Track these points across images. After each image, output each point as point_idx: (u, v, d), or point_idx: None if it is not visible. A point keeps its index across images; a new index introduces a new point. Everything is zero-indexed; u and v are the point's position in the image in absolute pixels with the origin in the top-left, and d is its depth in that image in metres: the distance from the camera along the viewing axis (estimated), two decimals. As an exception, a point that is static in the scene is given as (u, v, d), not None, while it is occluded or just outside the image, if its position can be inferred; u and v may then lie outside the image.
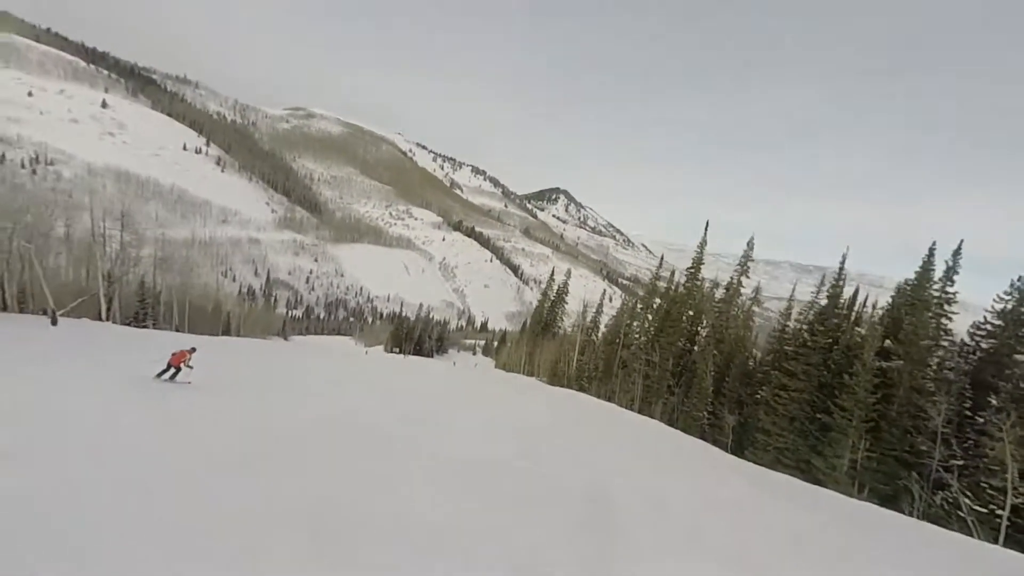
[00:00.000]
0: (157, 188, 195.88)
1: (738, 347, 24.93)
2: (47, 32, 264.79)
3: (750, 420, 20.41)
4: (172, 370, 12.11)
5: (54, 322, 21.19)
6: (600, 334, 46.38)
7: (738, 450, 19.41)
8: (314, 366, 23.25)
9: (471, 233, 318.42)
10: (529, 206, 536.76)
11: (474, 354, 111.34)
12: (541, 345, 46.78)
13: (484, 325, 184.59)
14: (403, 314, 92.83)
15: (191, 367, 12.43)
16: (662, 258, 36.35)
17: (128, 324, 30.14)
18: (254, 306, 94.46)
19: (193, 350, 12.78)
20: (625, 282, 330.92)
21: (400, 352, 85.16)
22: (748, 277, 26.70)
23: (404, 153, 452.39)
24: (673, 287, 32.36)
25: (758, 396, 19.73)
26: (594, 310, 48.57)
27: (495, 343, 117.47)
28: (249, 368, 19.29)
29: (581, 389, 35.37)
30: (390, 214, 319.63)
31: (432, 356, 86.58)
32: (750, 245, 26.34)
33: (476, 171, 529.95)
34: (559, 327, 49.93)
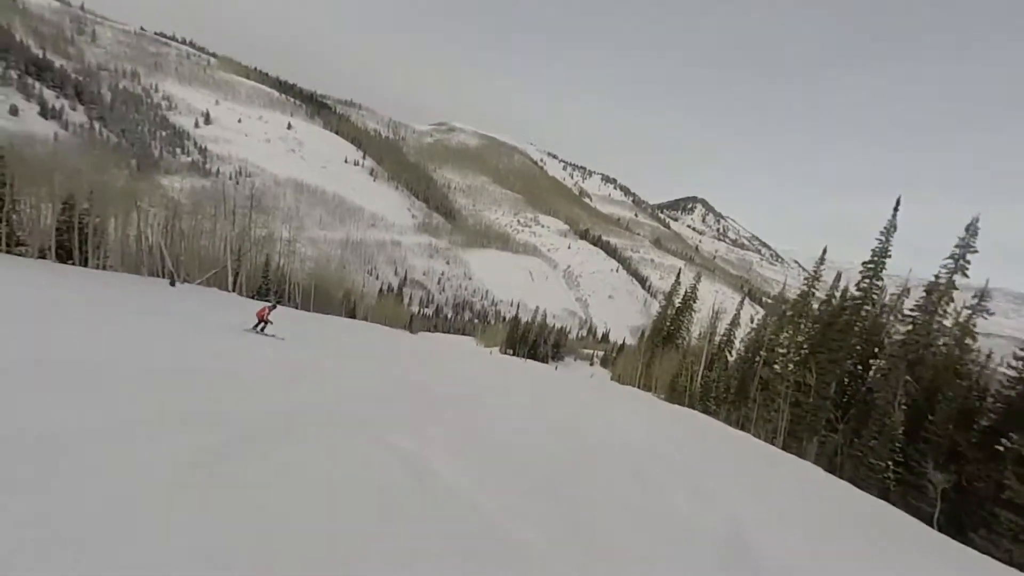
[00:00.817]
0: (322, 195, 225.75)
1: (948, 373, 17.23)
2: (254, 70, 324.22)
3: (978, 484, 13.37)
4: (260, 323, 14.00)
5: (172, 284, 23.33)
6: (735, 350, 39.03)
7: (954, 527, 12.70)
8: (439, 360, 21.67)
9: (597, 242, 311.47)
10: (662, 215, 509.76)
11: (591, 364, 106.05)
12: (660, 356, 40.79)
13: (606, 336, 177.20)
14: (519, 317, 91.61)
15: (270, 322, 14.28)
16: (823, 254, 28.31)
17: (252, 297, 32.27)
18: (384, 300, 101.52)
19: (274, 307, 14.91)
20: (770, 302, 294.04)
21: (513, 353, 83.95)
22: (966, 275, 18.55)
23: (535, 162, 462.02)
24: (839, 292, 24.78)
25: (998, 449, 12.66)
26: (728, 321, 41.21)
27: (613, 354, 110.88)
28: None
29: (706, 411, 29.27)
30: (518, 221, 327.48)
31: (546, 361, 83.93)
32: (972, 230, 18.20)
33: (606, 179, 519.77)
34: (683, 338, 43.14)
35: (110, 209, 28.26)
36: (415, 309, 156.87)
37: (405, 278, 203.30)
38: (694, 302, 43.33)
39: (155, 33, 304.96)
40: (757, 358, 33.76)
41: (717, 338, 36.10)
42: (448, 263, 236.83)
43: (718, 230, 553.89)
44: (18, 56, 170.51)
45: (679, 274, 49.82)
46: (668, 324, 43.45)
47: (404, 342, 29.77)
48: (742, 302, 43.73)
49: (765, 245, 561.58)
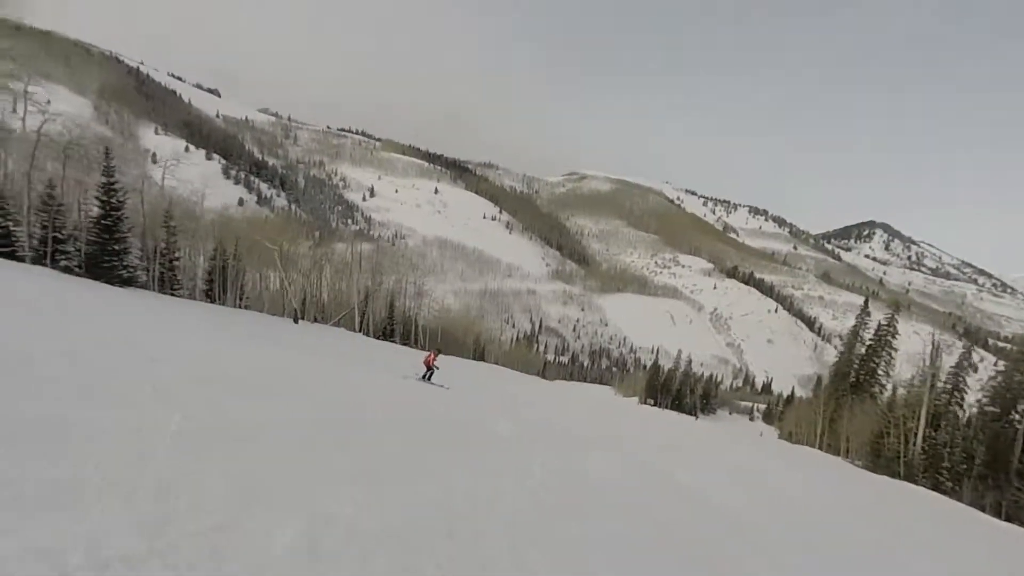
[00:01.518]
0: (463, 250, 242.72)
1: None
2: (409, 147, 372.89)
3: None
4: (428, 372, 13.39)
5: (295, 321, 25.04)
6: (967, 404, 27.76)
7: None
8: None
9: (749, 280, 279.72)
10: (829, 246, 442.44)
11: (751, 419, 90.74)
12: (850, 410, 30.65)
13: (767, 387, 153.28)
14: (659, 363, 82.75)
15: (437, 367, 13.53)
16: None
17: (378, 337, 32.56)
18: (518, 346, 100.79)
19: (438, 352, 14.29)
20: (1000, 344, 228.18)
21: (655, 404, 75.13)
22: None
23: (671, 201, 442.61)
24: None
25: None
26: (952, 366, 29.98)
27: (779, 407, 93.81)
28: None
29: (937, 488, 20.28)
30: (655, 263, 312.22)
31: (695, 415, 73.26)
32: None
33: (755, 211, 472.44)
34: (880, 384, 32.03)
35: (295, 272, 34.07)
36: (550, 357, 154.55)
37: (540, 325, 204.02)
38: (893, 337, 32.30)
39: (337, 129, 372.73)
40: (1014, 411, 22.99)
41: (940, 384, 25.78)
42: (583, 309, 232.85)
43: (909, 258, 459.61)
44: (245, 160, 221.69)
45: (866, 302, 38.59)
46: (857, 367, 32.85)
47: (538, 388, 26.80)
48: (969, 345, 31.45)
49: (983, 272, 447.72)
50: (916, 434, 21.98)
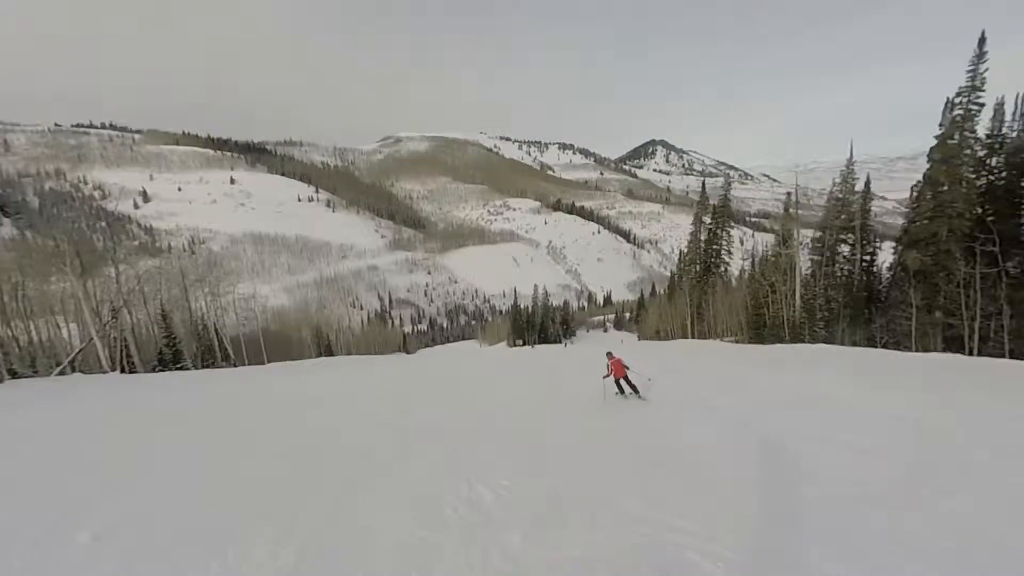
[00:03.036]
0: (285, 241, 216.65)
1: None
2: (184, 135, 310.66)
3: None
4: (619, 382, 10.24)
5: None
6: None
7: None
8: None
9: (572, 209, 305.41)
10: (626, 167, 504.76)
11: (605, 331, 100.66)
12: (713, 294, 34.31)
13: (607, 299, 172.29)
14: (519, 305, 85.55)
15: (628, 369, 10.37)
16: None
17: (155, 369, 25.76)
18: (371, 328, 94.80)
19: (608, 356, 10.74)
20: (755, 219, 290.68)
21: (524, 343, 77.99)
22: None
23: (490, 150, 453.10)
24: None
25: None
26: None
27: (626, 315, 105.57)
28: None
29: (813, 338, 23.19)
30: (488, 211, 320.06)
31: (560, 342, 78.07)
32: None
33: (564, 147, 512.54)
34: (724, 264, 36.75)
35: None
36: (408, 328, 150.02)
37: (390, 299, 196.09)
38: (730, 218, 37.07)
39: (72, 126, 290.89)
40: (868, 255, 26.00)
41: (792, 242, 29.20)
42: (430, 273, 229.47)
43: (682, 166, 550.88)
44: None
45: (704, 186, 44.06)
46: (703, 252, 36.93)
47: (388, 369, 23.56)
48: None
49: (732, 167, 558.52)
50: (794, 294, 24.67)
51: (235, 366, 31.99)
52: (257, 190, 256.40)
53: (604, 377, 10.04)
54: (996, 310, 16.22)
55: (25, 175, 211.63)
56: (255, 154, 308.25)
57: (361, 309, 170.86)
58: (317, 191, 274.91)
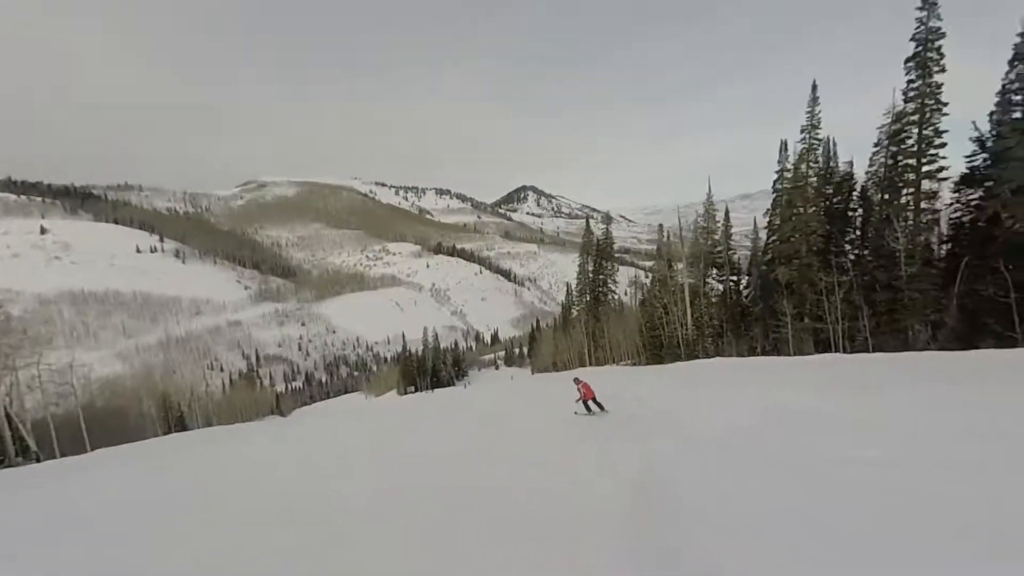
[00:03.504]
0: (119, 298, 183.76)
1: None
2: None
3: None
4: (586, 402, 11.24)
5: None
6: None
7: None
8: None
9: (453, 252, 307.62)
10: (502, 210, 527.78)
11: (496, 368, 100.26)
12: (607, 322, 35.66)
13: (495, 337, 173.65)
14: (407, 351, 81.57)
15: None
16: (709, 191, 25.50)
17: None
18: (235, 390, 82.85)
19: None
20: (620, 255, 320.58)
21: (416, 390, 73.88)
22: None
23: (365, 195, 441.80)
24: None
25: None
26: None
27: (515, 350, 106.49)
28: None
29: (706, 352, 24.43)
30: (367, 257, 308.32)
31: (453, 384, 75.44)
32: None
33: (440, 192, 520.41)
34: (611, 292, 38.89)
35: None
36: (280, 387, 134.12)
37: (257, 357, 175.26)
38: (612, 247, 39.71)
39: None
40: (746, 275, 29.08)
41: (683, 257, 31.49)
42: (303, 324, 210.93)
43: (552, 209, 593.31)
44: None
45: (588, 222, 46.85)
46: (591, 282, 38.75)
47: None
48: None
49: (595, 210, 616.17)
50: (686, 315, 26.11)
51: (38, 460, 24.13)
52: (79, 241, 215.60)
53: (576, 400, 11.13)
54: (852, 313, 18.69)
55: None
56: (76, 199, 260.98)
57: (222, 371, 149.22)
58: (162, 240, 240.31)
